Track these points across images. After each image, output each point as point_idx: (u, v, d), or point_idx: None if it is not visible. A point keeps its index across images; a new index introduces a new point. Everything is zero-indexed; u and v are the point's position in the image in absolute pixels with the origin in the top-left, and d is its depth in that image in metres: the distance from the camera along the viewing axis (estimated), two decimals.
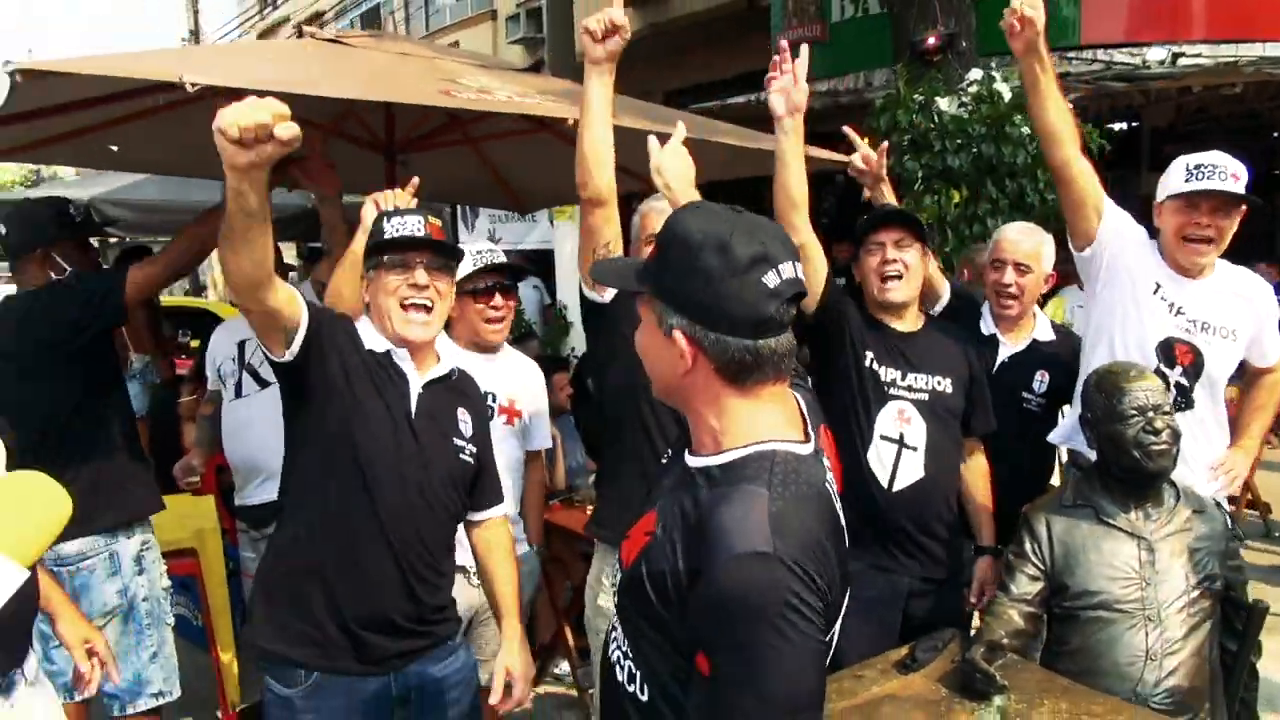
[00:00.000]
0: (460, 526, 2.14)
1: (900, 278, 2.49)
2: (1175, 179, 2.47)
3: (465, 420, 2.06)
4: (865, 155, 2.79)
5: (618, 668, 1.29)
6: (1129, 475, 2.23)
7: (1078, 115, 2.79)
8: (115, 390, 2.76)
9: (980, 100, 4.72)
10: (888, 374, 2.51)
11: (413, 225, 1.94)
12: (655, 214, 2.46)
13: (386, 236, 1.97)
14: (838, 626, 1.21)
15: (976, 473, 2.67)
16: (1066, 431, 2.67)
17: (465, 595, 2.41)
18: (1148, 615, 2.16)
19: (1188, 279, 2.52)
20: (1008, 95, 4.74)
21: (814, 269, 2.47)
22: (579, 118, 2.22)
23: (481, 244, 2.76)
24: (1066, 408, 2.86)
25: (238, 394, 3.21)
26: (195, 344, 6.86)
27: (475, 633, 2.65)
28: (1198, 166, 2.43)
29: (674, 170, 1.99)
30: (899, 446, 2.49)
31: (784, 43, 2.36)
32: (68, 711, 2.06)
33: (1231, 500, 5.38)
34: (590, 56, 2.12)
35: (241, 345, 3.24)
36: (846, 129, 2.86)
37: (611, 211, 2.15)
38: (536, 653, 3.52)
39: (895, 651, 2.29)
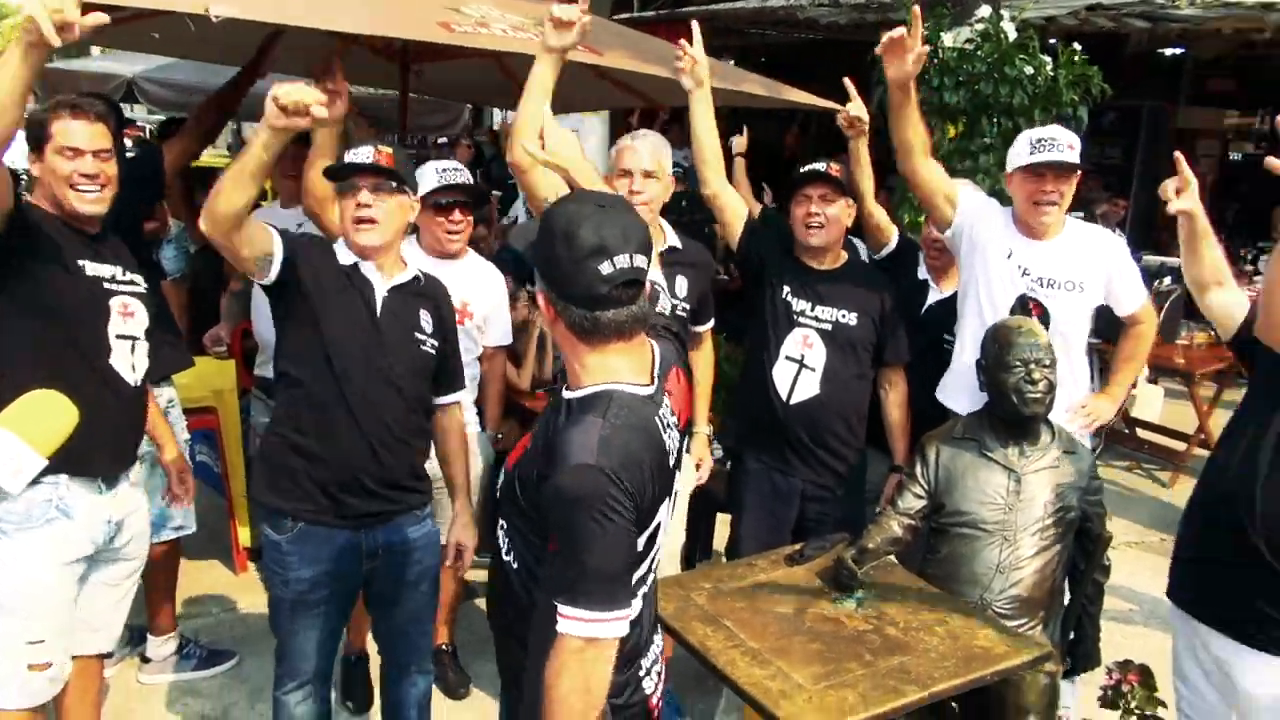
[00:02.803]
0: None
1: (821, 227, 2.87)
2: (1021, 152, 2.80)
3: (426, 318, 2.41)
4: (855, 117, 3.04)
5: (501, 542, 1.71)
6: (1009, 417, 2.55)
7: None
8: (148, 261, 3.17)
9: (985, 38, 4.83)
10: (798, 304, 2.90)
11: (362, 155, 2.27)
12: (628, 151, 2.80)
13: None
14: (661, 515, 1.59)
15: (895, 399, 3.04)
16: (945, 386, 3.02)
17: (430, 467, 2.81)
18: (1005, 535, 2.52)
19: (1036, 240, 2.82)
20: (1012, 34, 4.84)
21: (727, 216, 2.95)
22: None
23: (447, 164, 3.07)
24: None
25: None
26: None
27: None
28: (1039, 140, 2.76)
29: (563, 154, 2.12)
30: (799, 366, 2.90)
31: (683, 41, 2.67)
32: None
33: (1183, 437, 5.74)
34: (546, 44, 2.33)
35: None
36: (846, 81, 3.10)
37: (534, 176, 2.33)
38: None
39: (789, 547, 2.71)
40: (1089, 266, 2.83)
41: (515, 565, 1.65)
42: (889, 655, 2.16)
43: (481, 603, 3.95)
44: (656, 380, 1.61)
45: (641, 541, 1.55)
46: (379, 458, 2.34)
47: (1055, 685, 2.48)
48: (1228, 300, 2.46)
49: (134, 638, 3.32)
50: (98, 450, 2.36)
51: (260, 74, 3.31)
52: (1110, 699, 2.38)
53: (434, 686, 2.72)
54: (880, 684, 2.04)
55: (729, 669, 2.08)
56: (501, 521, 1.71)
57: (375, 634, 2.68)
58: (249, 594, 3.88)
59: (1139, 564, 4.41)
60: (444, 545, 2.57)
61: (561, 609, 1.47)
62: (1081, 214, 6.79)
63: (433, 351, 2.43)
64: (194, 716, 3.15)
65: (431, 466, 2.57)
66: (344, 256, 2.35)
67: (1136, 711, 2.35)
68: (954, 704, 2.52)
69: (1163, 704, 2.42)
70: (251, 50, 3.28)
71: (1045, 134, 2.80)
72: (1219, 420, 5.58)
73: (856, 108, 3.03)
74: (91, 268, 2.35)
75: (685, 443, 1.74)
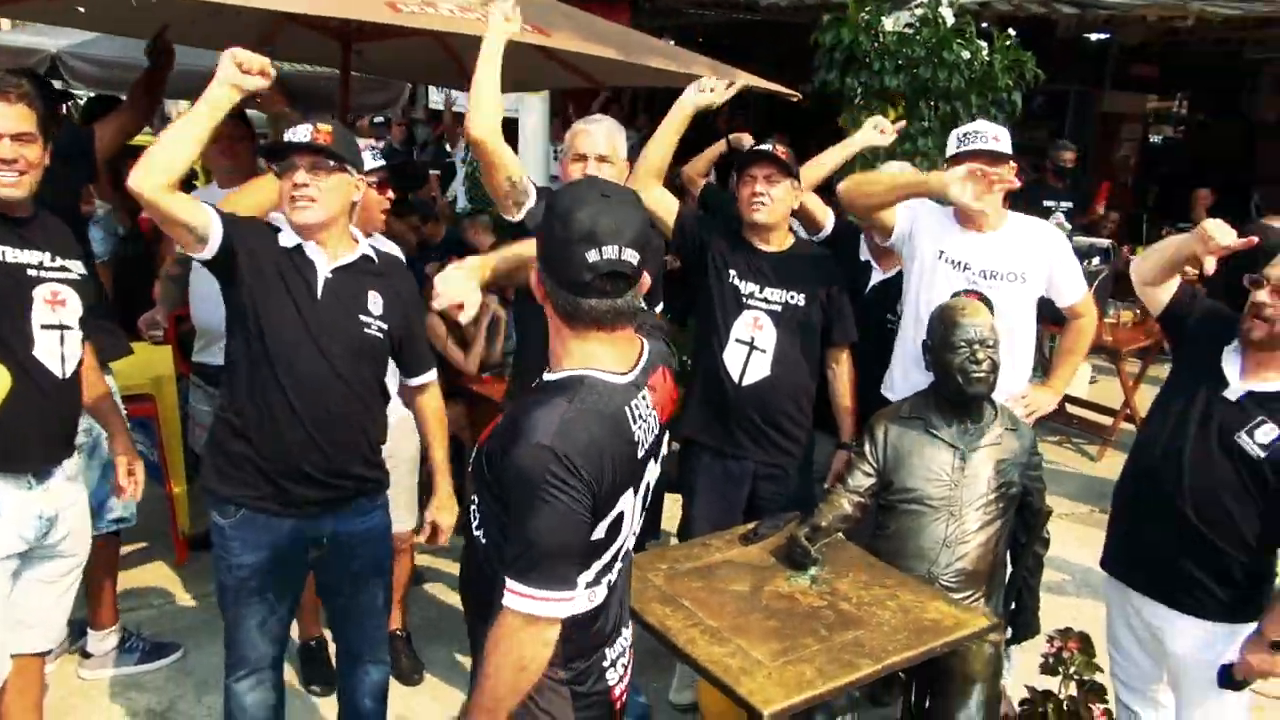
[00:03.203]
0: None
1: (765, 205, 2.90)
2: (951, 147, 2.92)
3: (376, 300, 2.35)
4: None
5: (472, 516, 1.71)
6: (954, 396, 2.63)
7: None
8: (85, 243, 3.06)
9: (924, 23, 4.91)
10: (746, 287, 2.95)
11: (300, 133, 2.21)
12: (583, 135, 2.77)
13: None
14: (624, 505, 1.60)
15: (842, 378, 3.10)
16: (886, 384, 3.09)
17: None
18: (951, 511, 2.59)
19: (978, 233, 2.91)
20: (950, 19, 4.93)
21: (660, 213, 2.98)
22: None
23: (372, 142, 3.03)
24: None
25: None
26: None
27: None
28: (965, 134, 2.90)
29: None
30: (749, 348, 2.94)
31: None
32: None
33: (1110, 412, 5.95)
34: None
35: None
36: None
37: (497, 158, 2.43)
38: (465, 506, 3.99)
39: (743, 527, 2.75)
40: (1031, 258, 2.91)
41: (484, 541, 1.66)
42: (843, 630, 2.22)
43: (429, 587, 3.94)
44: (637, 372, 1.62)
45: (601, 529, 1.56)
46: (319, 445, 2.29)
47: (999, 654, 2.57)
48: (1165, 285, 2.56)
49: (74, 632, 3.23)
50: (23, 445, 2.28)
51: (170, 60, 3.23)
52: (1051, 666, 2.48)
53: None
54: (836, 658, 2.10)
55: (689, 648, 2.12)
56: (473, 498, 1.71)
57: (329, 623, 2.66)
58: (192, 584, 3.80)
59: (1069, 535, 4.58)
60: (421, 522, 2.57)
61: (508, 583, 1.51)
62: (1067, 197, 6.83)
63: (380, 334, 2.36)
64: (139, 711, 3.09)
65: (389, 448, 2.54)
66: (287, 239, 2.28)
67: (1075, 677, 2.45)
68: (902, 674, 2.60)
69: (1099, 669, 2.53)
70: (182, 27, 3.19)
71: (971, 128, 2.93)
72: (1143, 395, 5.81)
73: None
74: (12, 254, 2.25)
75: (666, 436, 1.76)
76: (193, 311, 3.55)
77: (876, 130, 3.35)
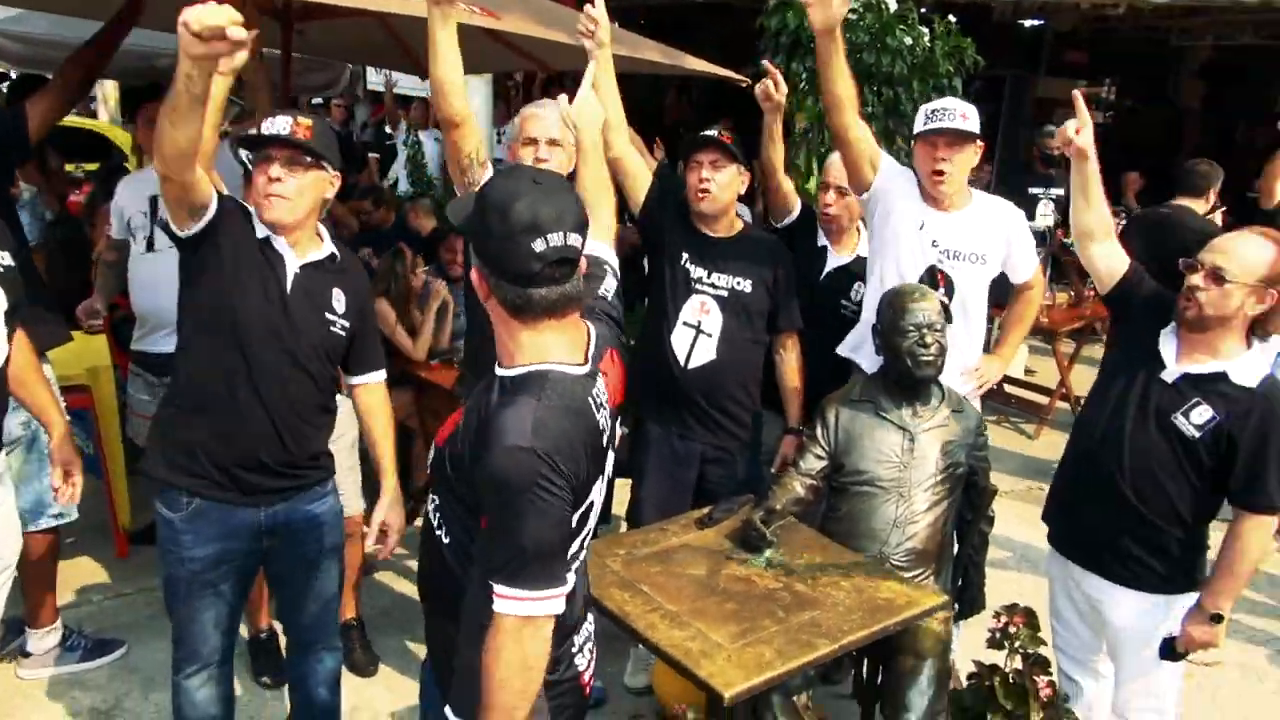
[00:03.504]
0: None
1: (710, 193, 2.92)
2: (918, 124, 2.92)
3: (339, 298, 2.35)
4: (766, 90, 3.11)
5: (432, 517, 1.70)
6: (902, 379, 2.68)
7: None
8: (16, 226, 2.94)
9: (868, 8, 4.95)
10: (696, 271, 2.97)
11: (279, 125, 2.17)
12: (533, 119, 2.73)
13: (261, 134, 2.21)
14: (595, 494, 1.61)
15: (789, 363, 3.13)
16: (850, 344, 3.13)
17: None
18: (900, 492, 2.65)
19: (944, 212, 2.95)
20: (894, 6, 4.98)
21: (629, 182, 2.91)
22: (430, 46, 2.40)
23: None
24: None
25: (149, 248, 3.31)
26: (91, 167, 6.78)
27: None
28: (933, 111, 2.89)
29: (585, 117, 2.10)
30: (696, 332, 2.97)
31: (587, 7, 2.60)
32: None
33: (1047, 392, 6.11)
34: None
35: (154, 200, 3.37)
36: (765, 63, 3.20)
37: (468, 129, 2.39)
38: (413, 495, 3.95)
39: (699, 511, 2.78)
40: (992, 239, 2.97)
41: (448, 541, 1.64)
42: (800, 611, 2.26)
43: (380, 576, 3.90)
44: (591, 360, 1.62)
45: (574, 519, 1.56)
46: (282, 437, 2.28)
47: (948, 631, 2.64)
48: (1111, 254, 2.58)
49: (12, 631, 3.14)
50: None
51: (126, 30, 3.10)
52: (998, 640, 2.55)
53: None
54: (794, 639, 2.14)
55: (649, 632, 2.14)
56: (432, 496, 1.70)
57: (279, 613, 2.62)
58: (133, 579, 3.71)
59: (1009, 512, 4.69)
60: (368, 524, 2.52)
61: (497, 589, 1.49)
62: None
63: (343, 333, 2.36)
64: (83, 710, 3.01)
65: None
66: (259, 228, 2.25)
67: (1021, 651, 2.52)
68: (854, 651, 2.65)
69: (1043, 643, 2.61)
70: (112, 2, 3.07)
71: (940, 104, 2.92)
72: (1078, 374, 5.99)
73: (769, 83, 3.09)
74: None
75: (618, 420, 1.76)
76: (132, 299, 3.45)
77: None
